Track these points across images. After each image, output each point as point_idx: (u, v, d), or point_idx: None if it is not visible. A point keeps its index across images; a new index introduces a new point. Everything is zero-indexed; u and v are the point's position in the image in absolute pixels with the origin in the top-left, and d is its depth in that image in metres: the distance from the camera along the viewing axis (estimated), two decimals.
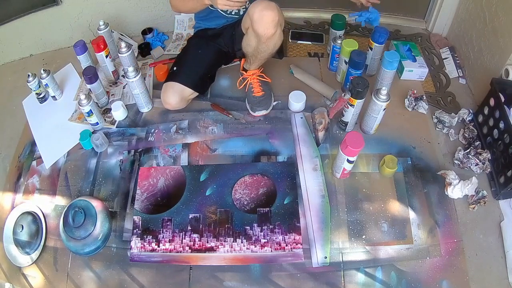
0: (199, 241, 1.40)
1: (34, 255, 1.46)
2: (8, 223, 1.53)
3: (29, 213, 1.53)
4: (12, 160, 1.72)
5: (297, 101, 1.65)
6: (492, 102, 1.52)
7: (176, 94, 1.62)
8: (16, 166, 1.69)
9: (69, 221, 1.40)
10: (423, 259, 1.35)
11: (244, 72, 1.68)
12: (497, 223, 1.42)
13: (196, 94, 1.69)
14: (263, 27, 1.40)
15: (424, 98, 1.68)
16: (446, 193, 1.45)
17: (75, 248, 1.41)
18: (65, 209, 1.45)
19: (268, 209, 1.44)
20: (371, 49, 1.66)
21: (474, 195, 1.45)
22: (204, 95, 1.77)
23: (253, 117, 1.69)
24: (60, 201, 1.54)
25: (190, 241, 1.40)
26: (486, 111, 1.56)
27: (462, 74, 1.85)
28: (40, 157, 1.65)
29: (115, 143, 1.65)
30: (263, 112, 1.67)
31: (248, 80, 1.67)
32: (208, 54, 1.69)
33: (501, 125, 1.45)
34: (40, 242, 1.47)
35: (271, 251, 1.37)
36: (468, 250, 1.37)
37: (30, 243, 1.48)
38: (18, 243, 1.49)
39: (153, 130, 1.68)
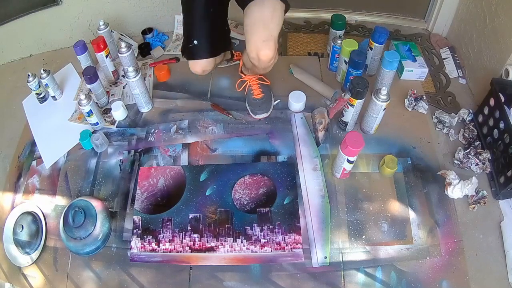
0: (199, 241, 1.39)
1: (34, 255, 1.46)
2: (8, 223, 1.53)
3: (29, 213, 1.53)
4: (12, 160, 1.71)
5: (297, 101, 1.65)
6: (492, 102, 1.52)
7: (208, 64, 1.50)
8: (16, 166, 1.68)
9: (69, 221, 1.40)
10: (423, 259, 1.35)
11: (243, 75, 1.68)
12: (497, 223, 1.42)
13: None
14: (259, 63, 1.36)
15: (424, 98, 1.68)
16: (446, 193, 1.45)
17: (75, 248, 1.41)
18: (65, 209, 1.44)
19: (268, 209, 1.44)
20: (371, 49, 1.66)
21: (474, 195, 1.45)
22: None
23: (253, 118, 1.69)
24: (60, 201, 1.54)
25: (190, 241, 1.40)
26: (486, 111, 1.56)
27: (462, 74, 1.85)
28: (40, 157, 1.65)
29: (115, 143, 1.65)
30: (264, 115, 1.67)
31: (247, 83, 1.67)
32: (222, 9, 1.50)
33: (501, 125, 1.45)
34: (40, 242, 1.47)
35: (271, 251, 1.37)
36: (468, 250, 1.37)
37: (30, 243, 1.48)
38: (18, 243, 1.49)
39: (153, 130, 1.68)
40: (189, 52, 1.48)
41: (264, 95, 1.66)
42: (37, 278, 1.44)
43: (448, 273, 1.33)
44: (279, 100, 1.73)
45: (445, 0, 1.89)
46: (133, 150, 1.63)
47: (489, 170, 1.50)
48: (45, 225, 1.50)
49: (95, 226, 1.40)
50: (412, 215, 1.42)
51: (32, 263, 1.45)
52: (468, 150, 1.53)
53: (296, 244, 1.37)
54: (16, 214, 1.54)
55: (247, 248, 1.37)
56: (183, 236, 1.41)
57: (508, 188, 1.40)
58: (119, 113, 1.69)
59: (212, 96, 1.79)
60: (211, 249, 1.38)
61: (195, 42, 1.45)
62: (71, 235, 1.39)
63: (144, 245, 1.40)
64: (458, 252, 1.36)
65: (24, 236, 1.49)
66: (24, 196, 1.59)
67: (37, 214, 1.52)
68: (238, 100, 1.76)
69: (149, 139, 1.65)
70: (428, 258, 1.35)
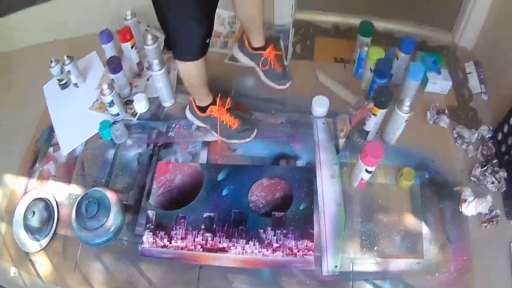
0: (211, 240, 1.39)
1: (43, 242, 1.46)
2: (20, 208, 1.54)
3: (41, 199, 1.54)
4: (28, 145, 1.72)
5: (320, 106, 1.63)
6: None
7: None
8: (32, 151, 1.69)
9: (82, 210, 1.41)
10: (432, 275, 1.34)
11: (262, 52, 1.68)
12: (508, 243, 1.40)
13: None
14: None
15: (446, 112, 1.66)
16: (460, 210, 1.44)
17: (85, 238, 1.42)
18: (79, 198, 1.45)
19: (283, 213, 1.43)
20: (397, 58, 1.64)
21: (487, 214, 1.43)
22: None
23: (276, 119, 1.68)
24: (75, 189, 1.55)
25: (202, 240, 1.39)
26: (505, 129, 1.53)
27: (485, 90, 1.82)
28: (57, 144, 1.66)
29: (134, 135, 1.65)
30: (290, 83, 1.74)
31: (270, 58, 1.69)
32: None
33: None
34: (51, 229, 1.48)
35: (283, 256, 1.36)
36: (477, 268, 1.35)
37: (40, 230, 1.48)
38: (28, 229, 1.50)
39: (174, 125, 1.67)
40: (203, 51, 1.37)
41: (283, 66, 1.72)
42: (44, 265, 1.44)
43: None
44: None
45: (473, 13, 1.85)
46: (152, 144, 1.62)
47: (504, 189, 1.48)
48: (57, 213, 1.50)
49: (108, 217, 1.40)
50: (425, 229, 1.41)
51: (41, 250, 1.46)
52: (485, 168, 1.51)
53: (308, 251, 1.36)
54: (29, 199, 1.55)
55: (259, 251, 1.37)
56: (196, 235, 1.40)
57: None
58: (141, 105, 1.68)
59: (235, 95, 1.77)
60: (222, 250, 1.37)
61: (208, 40, 1.36)
62: (83, 225, 1.40)
63: (156, 241, 1.40)
64: (467, 270, 1.34)
65: (34, 222, 1.50)
66: (38, 181, 1.60)
67: (49, 201, 1.53)
68: (263, 101, 1.75)
69: (169, 134, 1.65)
70: (437, 274, 1.34)
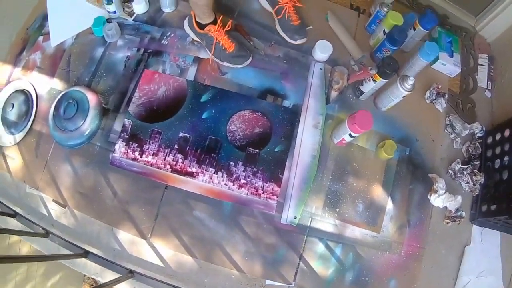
0: (181, 163, 1.38)
1: (18, 136, 1.44)
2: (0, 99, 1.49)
3: (22, 92, 1.48)
4: (19, 31, 1.63)
5: (322, 51, 1.55)
6: (507, 133, 1.46)
7: None
8: (22, 38, 1.61)
9: (60, 111, 1.38)
10: (383, 252, 1.38)
11: (280, 0, 1.58)
12: (463, 246, 1.44)
13: None
14: None
15: (446, 96, 1.62)
16: (428, 197, 1.45)
17: (59, 138, 1.39)
18: (59, 97, 1.41)
19: (257, 151, 1.42)
20: (414, 29, 1.56)
21: (452, 212, 1.45)
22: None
23: (274, 51, 1.60)
24: (57, 84, 1.50)
25: (173, 160, 1.38)
26: (497, 137, 1.51)
27: (490, 88, 1.78)
28: (48, 34, 1.58)
29: (127, 36, 1.57)
30: (303, 40, 1.62)
31: (285, 8, 1.58)
32: None
33: (506, 158, 1.41)
34: (27, 124, 1.44)
35: (247, 194, 1.37)
36: (426, 260, 1.39)
37: (16, 124, 1.45)
38: (5, 122, 1.46)
39: (169, 33, 1.58)
40: None
41: (301, 21, 1.60)
42: (16, 161, 1.42)
43: (400, 274, 1.36)
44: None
45: (506, 9, 1.76)
46: (143, 49, 1.55)
47: (477, 193, 1.49)
48: (35, 107, 1.46)
49: (85, 121, 1.37)
50: (389, 205, 1.43)
51: (14, 144, 1.44)
52: (465, 166, 1.51)
53: (273, 195, 1.37)
54: (10, 90, 1.49)
55: (225, 184, 1.37)
56: (168, 153, 1.39)
57: (486, 219, 1.40)
58: (140, 6, 1.59)
59: (239, 16, 1.66)
60: (191, 174, 1.37)
61: None
62: (59, 126, 1.37)
63: (127, 152, 1.38)
64: (417, 258, 1.38)
65: (12, 115, 1.46)
66: (22, 71, 1.54)
67: (30, 94, 1.48)
68: (264, 28, 1.64)
69: (162, 42, 1.56)
70: (388, 252, 1.38)
